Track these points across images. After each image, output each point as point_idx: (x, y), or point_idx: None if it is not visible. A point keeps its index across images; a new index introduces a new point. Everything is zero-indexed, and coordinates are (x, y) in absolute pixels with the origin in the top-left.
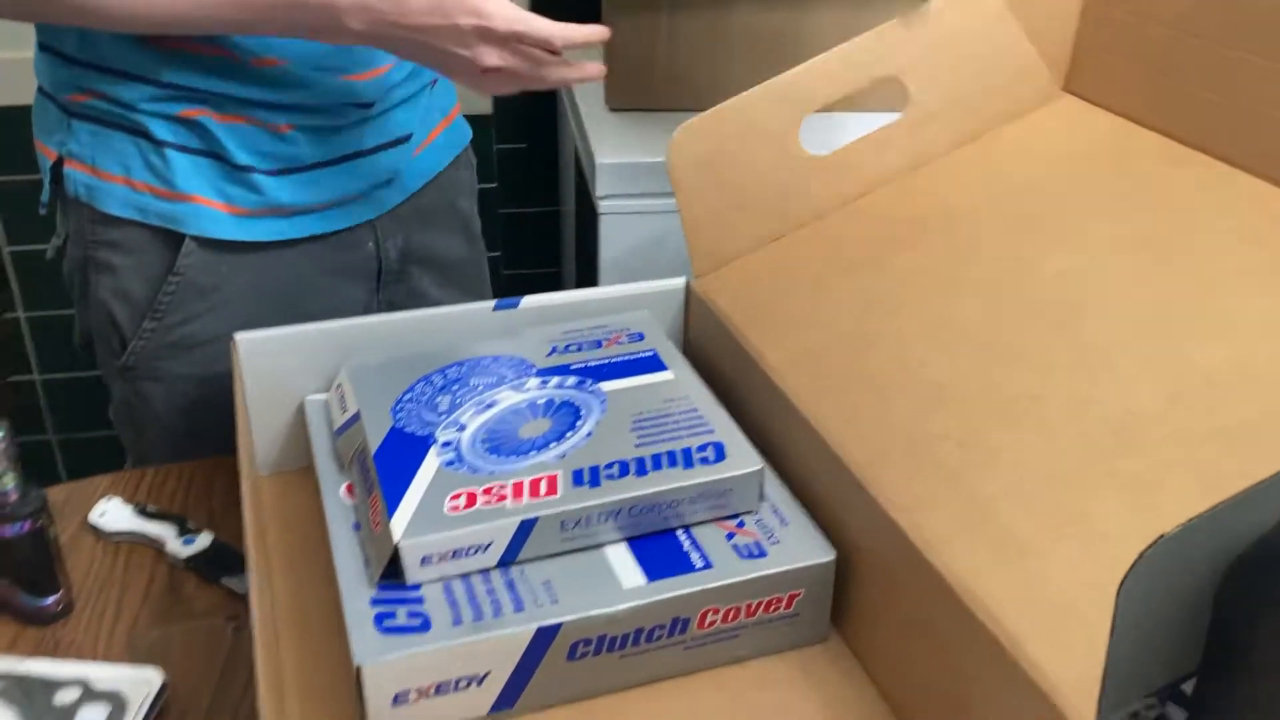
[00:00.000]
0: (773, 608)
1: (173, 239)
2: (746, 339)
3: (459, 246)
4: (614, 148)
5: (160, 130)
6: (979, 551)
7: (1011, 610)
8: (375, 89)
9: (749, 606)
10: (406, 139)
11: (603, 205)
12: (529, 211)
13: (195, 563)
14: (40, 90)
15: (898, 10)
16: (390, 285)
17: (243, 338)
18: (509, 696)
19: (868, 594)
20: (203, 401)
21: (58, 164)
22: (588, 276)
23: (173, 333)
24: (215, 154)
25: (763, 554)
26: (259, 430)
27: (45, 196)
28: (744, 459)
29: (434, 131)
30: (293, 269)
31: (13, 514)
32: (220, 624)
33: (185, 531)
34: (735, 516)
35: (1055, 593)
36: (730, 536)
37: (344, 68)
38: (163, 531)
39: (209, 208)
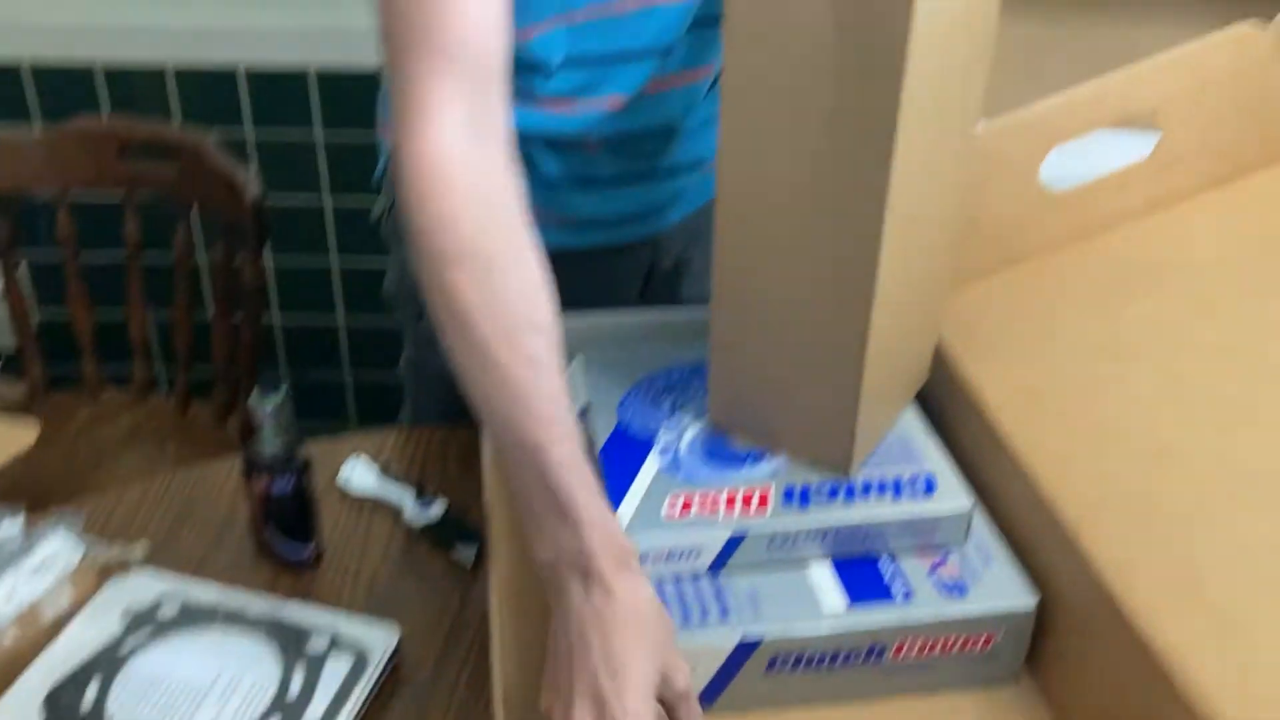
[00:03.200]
0: (969, 645)
1: None
2: (965, 369)
3: None
4: None
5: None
6: (1189, 623)
7: (1218, 692)
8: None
9: (945, 642)
10: (700, 163)
11: None
12: None
13: (429, 532)
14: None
15: (1159, 36)
16: (658, 289)
17: None
18: (709, 695)
19: (1067, 644)
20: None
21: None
22: None
23: None
24: (530, 162)
25: (964, 592)
26: None
27: (380, 170)
28: (954, 496)
29: None
30: (576, 270)
31: (282, 470)
32: (448, 586)
33: (423, 495)
34: (940, 549)
35: (1269, 680)
36: (933, 570)
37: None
38: (402, 495)
39: None
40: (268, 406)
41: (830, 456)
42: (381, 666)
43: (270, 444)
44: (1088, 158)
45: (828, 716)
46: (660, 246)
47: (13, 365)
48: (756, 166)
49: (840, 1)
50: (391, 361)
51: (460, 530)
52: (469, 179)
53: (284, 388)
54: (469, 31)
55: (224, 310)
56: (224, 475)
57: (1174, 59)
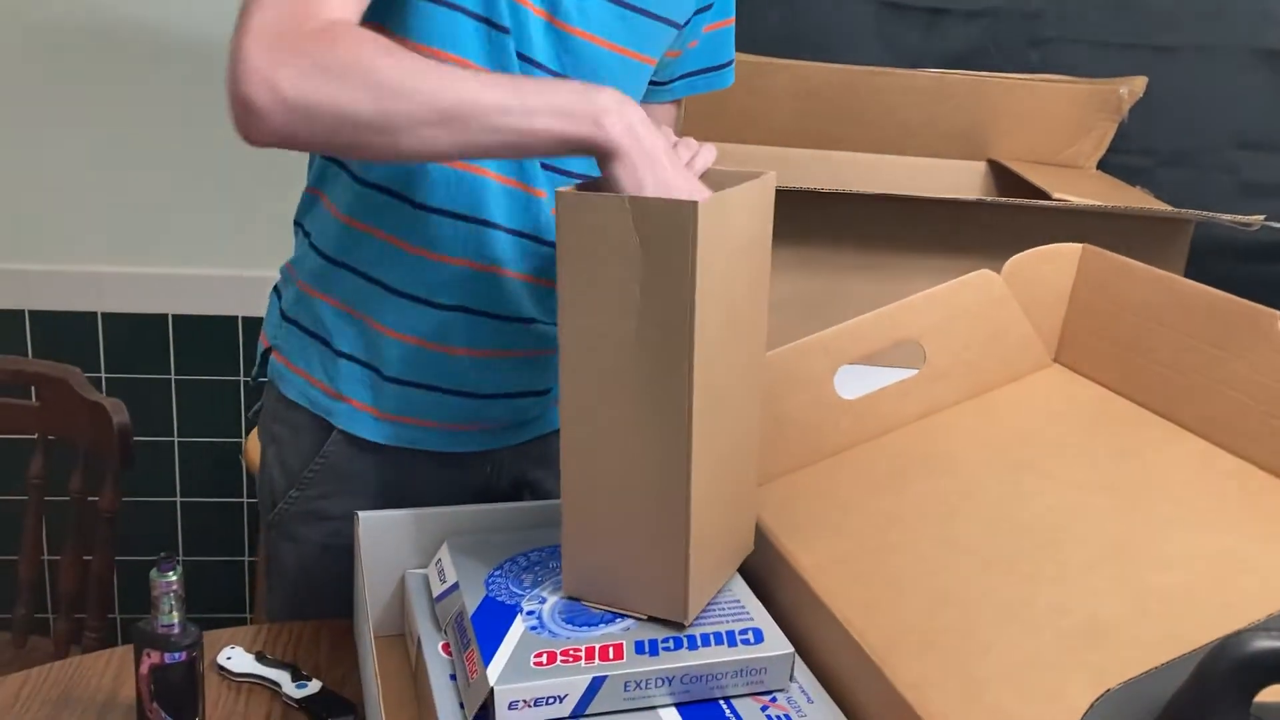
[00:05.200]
0: None
1: (326, 427)
2: (782, 543)
3: None
4: None
5: (340, 342)
6: None
7: None
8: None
9: None
10: (546, 391)
11: None
12: None
13: (306, 704)
14: (275, 295)
15: (918, 286)
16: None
17: (364, 516)
18: None
19: None
20: (321, 566)
21: (267, 351)
22: None
23: (311, 504)
24: (375, 367)
25: None
26: (372, 595)
27: (255, 373)
28: (779, 643)
29: None
30: (414, 472)
31: (175, 645)
32: None
33: (298, 677)
34: (769, 693)
35: None
36: (764, 709)
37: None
38: (278, 676)
39: (357, 409)
40: (166, 580)
41: (669, 610)
42: None
43: (166, 618)
44: (869, 376)
45: None
46: (500, 464)
47: None
48: (589, 388)
49: (640, 253)
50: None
51: (335, 704)
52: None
53: (179, 566)
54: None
55: (78, 542)
56: (102, 664)
57: (932, 296)
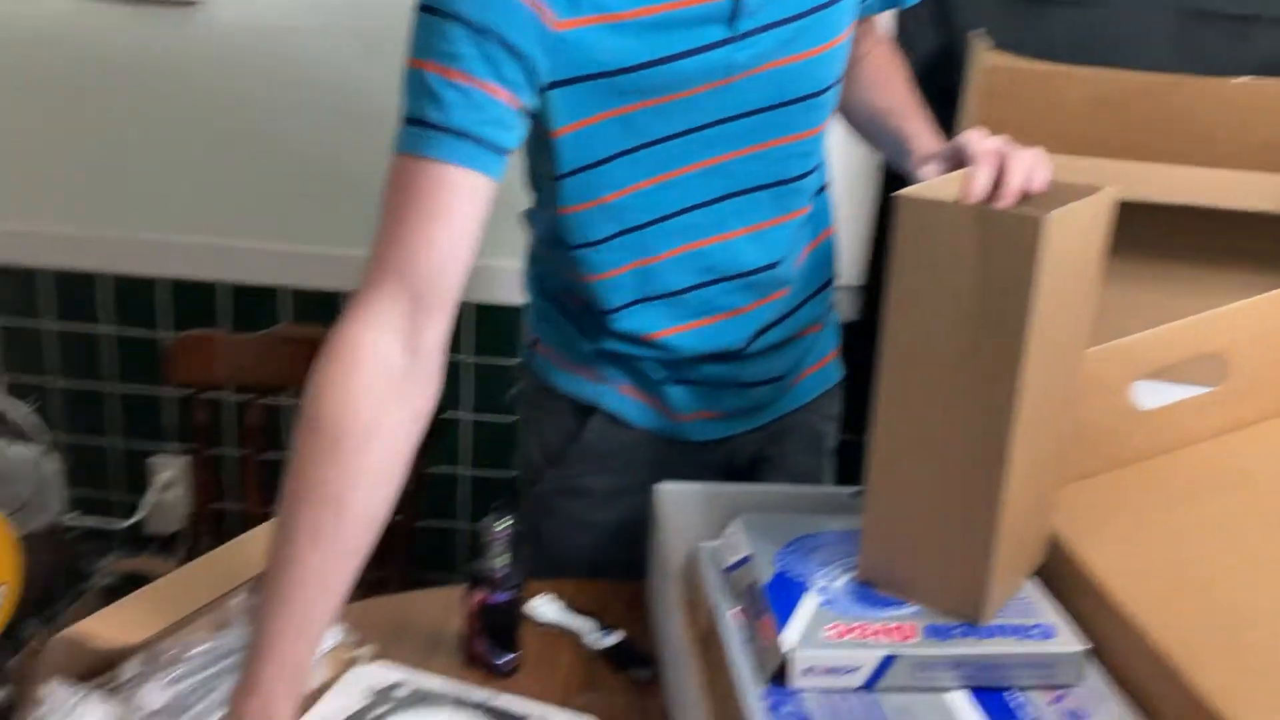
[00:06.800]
0: None
1: (585, 411)
2: (1076, 549)
3: (807, 460)
4: None
5: (597, 338)
6: None
7: None
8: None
9: None
10: (779, 379)
11: None
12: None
13: (609, 653)
14: (540, 294)
15: (1216, 301)
16: (737, 479)
17: (662, 489)
18: None
19: None
20: (576, 537)
21: (534, 343)
22: None
23: (569, 481)
24: (639, 370)
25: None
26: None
27: (521, 358)
28: (1070, 640)
29: (806, 372)
30: (665, 453)
31: (503, 585)
32: (629, 700)
33: (603, 627)
34: (1059, 688)
35: None
36: (1055, 702)
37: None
38: (583, 625)
39: (619, 392)
40: (499, 528)
41: (965, 609)
42: None
43: (497, 561)
44: (1162, 391)
45: None
46: (740, 445)
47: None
48: (910, 389)
49: (979, 264)
50: None
51: (636, 655)
52: (367, 369)
53: (508, 516)
54: (424, 258)
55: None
56: (428, 601)
57: (1241, 309)
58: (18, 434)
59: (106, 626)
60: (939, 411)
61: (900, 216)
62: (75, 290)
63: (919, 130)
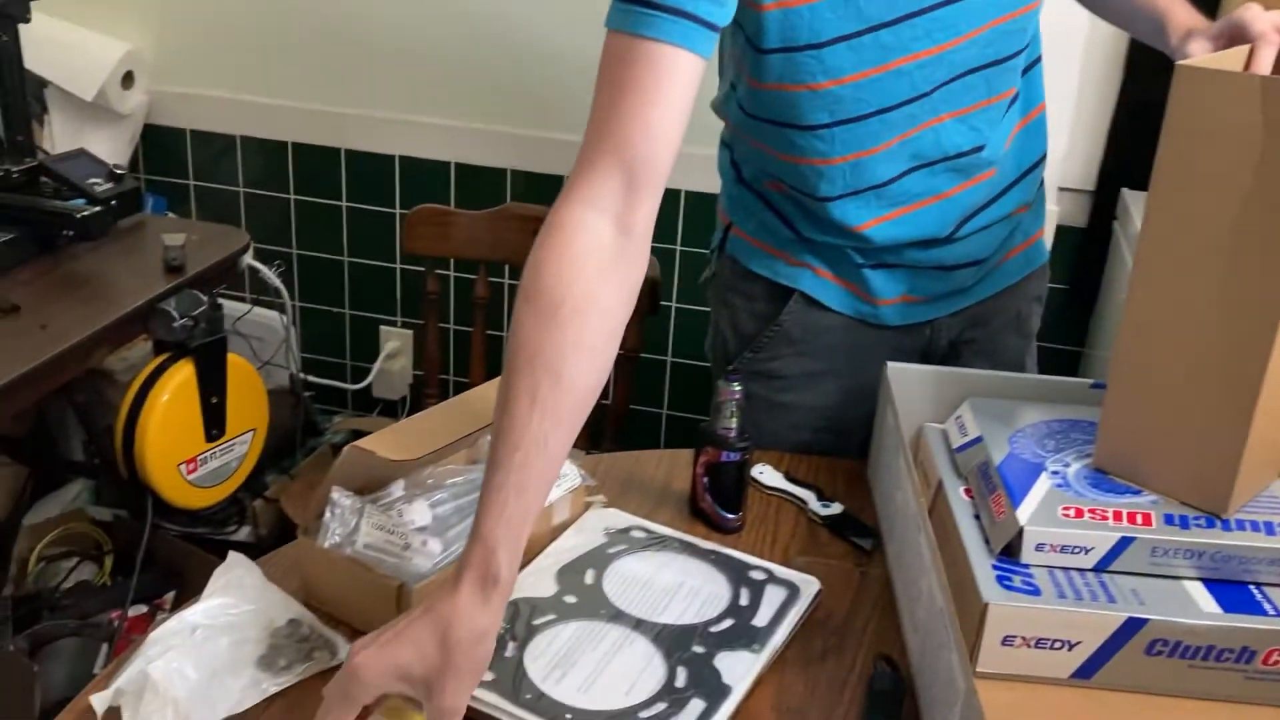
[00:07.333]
0: None
1: (784, 295)
2: None
3: (1009, 342)
4: None
5: (798, 223)
6: None
7: None
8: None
9: None
10: (981, 261)
11: None
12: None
13: (830, 521)
14: (737, 180)
15: None
16: (934, 362)
17: (892, 367)
18: (1088, 669)
19: None
20: (770, 419)
21: (727, 227)
22: None
23: (763, 364)
24: (840, 256)
25: None
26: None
27: (714, 243)
28: None
29: (1010, 253)
30: (857, 337)
31: (732, 445)
32: (850, 564)
33: (822, 498)
34: None
35: None
36: None
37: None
38: (805, 494)
39: (818, 276)
40: (732, 389)
41: (1209, 501)
42: (811, 600)
43: (727, 421)
44: None
45: (1193, 712)
46: (939, 328)
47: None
48: (1168, 269)
49: (1264, 140)
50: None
51: (856, 525)
52: (582, 244)
53: (737, 379)
54: (639, 139)
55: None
56: (656, 459)
57: None
58: (264, 296)
59: (384, 446)
60: (1199, 296)
61: (1177, 89)
62: (318, 163)
63: (1176, 2)
